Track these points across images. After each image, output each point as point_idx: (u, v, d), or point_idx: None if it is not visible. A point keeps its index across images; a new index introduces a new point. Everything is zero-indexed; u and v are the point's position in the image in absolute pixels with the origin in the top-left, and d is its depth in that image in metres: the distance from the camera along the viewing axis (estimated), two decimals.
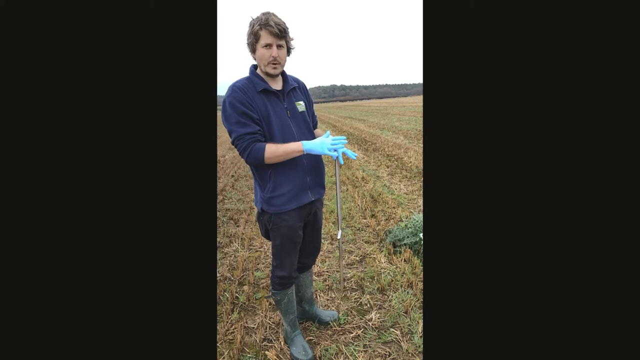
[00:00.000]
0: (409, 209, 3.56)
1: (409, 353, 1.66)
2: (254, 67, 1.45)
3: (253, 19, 1.34)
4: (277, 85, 1.45)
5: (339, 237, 1.64)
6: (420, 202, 3.77)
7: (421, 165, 5.25)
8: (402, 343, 1.72)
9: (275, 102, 1.42)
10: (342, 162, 1.38)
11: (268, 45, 1.33)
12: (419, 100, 37.37)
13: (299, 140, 1.40)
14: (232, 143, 1.36)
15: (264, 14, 1.33)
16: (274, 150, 1.33)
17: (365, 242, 2.90)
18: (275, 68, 1.37)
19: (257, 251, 2.87)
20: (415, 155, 6.08)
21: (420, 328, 1.79)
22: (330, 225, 3.27)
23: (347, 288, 2.23)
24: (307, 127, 1.51)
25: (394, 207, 3.60)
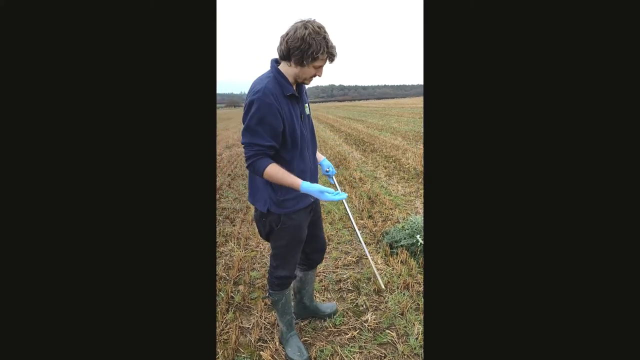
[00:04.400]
0: (406, 210, 3.57)
1: (404, 355, 1.66)
2: (276, 61, 1.39)
3: (312, 36, 1.24)
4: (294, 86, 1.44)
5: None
6: (418, 203, 3.77)
7: (419, 167, 5.26)
8: (397, 345, 1.72)
9: (296, 107, 1.41)
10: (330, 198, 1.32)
11: (320, 67, 1.34)
12: (417, 101, 37.37)
13: (309, 148, 1.46)
14: (242, 142, 1.37)
15: (325, 38, 1.26)
16: (273, 174, 1.33)
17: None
18: (310, 82, 1.40)
19: (253, 251, 2.86)
20: (413, 157, 6.08)
21: (416, 330, 1.79)
22: (327, 226, 3.27)
23: (344, 289, 2.24)
24: (312, 133, 1.53)
25: (391, 209, 3.61)
